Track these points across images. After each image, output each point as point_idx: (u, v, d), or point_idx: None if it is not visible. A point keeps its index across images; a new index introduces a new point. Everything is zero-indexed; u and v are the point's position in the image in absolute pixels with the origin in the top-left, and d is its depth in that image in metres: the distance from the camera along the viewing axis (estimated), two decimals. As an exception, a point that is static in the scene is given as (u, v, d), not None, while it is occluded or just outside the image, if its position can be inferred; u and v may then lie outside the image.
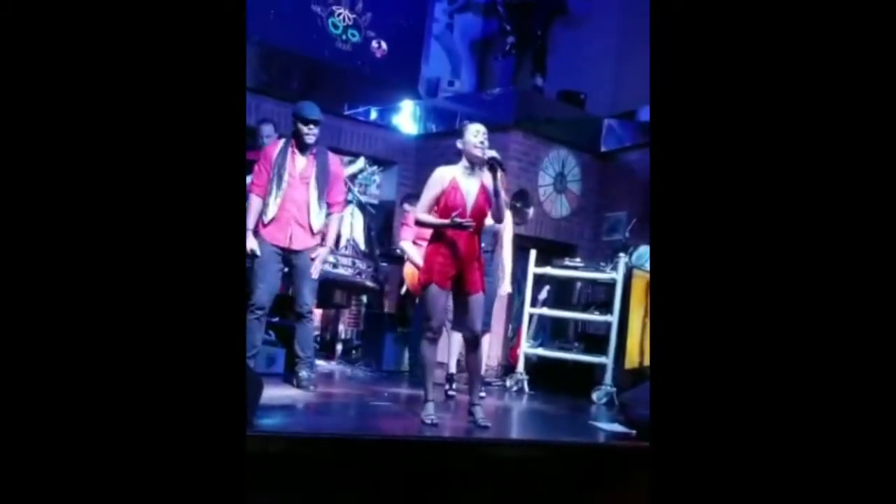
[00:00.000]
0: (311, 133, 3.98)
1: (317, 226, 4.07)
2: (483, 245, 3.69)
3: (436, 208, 3.44)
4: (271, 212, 3.96)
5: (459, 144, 3.44)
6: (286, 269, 4.11)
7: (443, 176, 3.43)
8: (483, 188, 3.43)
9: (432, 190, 3.43)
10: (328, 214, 4.16)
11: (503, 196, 3.45)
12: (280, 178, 3.96)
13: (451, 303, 3.86)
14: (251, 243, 3.90)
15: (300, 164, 4.02)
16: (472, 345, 3.54)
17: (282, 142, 4.08)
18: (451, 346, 4.65)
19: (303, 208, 4.02)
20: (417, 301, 5.18)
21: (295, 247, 4.01)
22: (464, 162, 3.44)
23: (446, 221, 3.34)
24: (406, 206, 5.41)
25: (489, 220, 3.61)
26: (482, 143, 3.39)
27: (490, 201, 3.45)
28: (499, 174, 3.40)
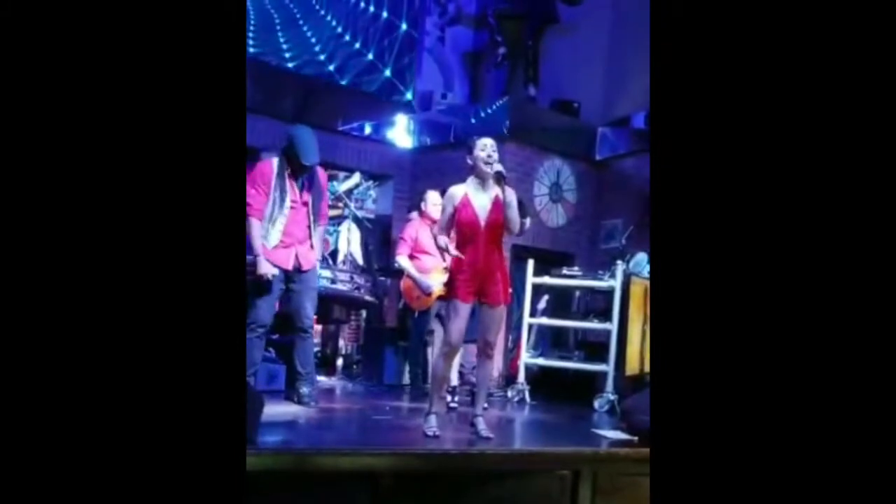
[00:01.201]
0: (305, 171, 3.96)
1: (315, 242, 4.09)
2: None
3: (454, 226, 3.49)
4: (274, 238, 3.92)
5: (469, 161, 3.48)
6: (284, 287, 4.06)
7: (454, 194, 3.47)
8: (497, 201, 3.45)
9: (446, 210, 3.49)
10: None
11: (514, 208, 3.48)
12: (282, 202, 3.92)
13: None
14: (266, 268, 3.85)
15: (299, 188, 4.01)
16: (485, 355, 3.55)
17: (276, 162, 3.98)
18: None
19: (306, 231, 4.02)
20: (416, 314, 5.18)
21: (305, 267, 4.01)
22: (474, 177, 3.47)
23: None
24: (411, 215, 5.40)
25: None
26: (489, 157, 3.42)
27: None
28: (504, 187, 3.43)
